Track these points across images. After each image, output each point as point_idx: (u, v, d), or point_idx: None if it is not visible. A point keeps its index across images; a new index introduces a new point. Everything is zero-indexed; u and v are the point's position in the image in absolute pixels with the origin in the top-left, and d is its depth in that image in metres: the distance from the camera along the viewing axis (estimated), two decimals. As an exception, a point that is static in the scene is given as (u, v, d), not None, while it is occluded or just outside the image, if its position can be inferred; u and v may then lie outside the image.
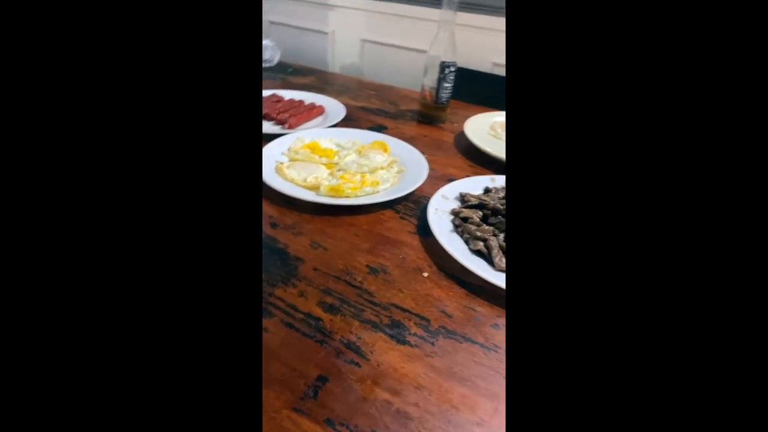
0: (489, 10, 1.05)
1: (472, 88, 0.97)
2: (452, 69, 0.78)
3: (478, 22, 1.07)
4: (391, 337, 0.35)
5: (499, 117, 0.83)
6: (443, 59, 0.77)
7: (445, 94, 0.81)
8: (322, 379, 0.31)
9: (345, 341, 0.34)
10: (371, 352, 0.34)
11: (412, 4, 1.16)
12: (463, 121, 0.78)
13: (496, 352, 0.34)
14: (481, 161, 0.69)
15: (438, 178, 0.61)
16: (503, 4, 1.02)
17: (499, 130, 0.77)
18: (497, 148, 0.69)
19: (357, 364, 0.33)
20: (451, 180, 0.58)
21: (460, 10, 1.02)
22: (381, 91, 1.03)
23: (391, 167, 0.63)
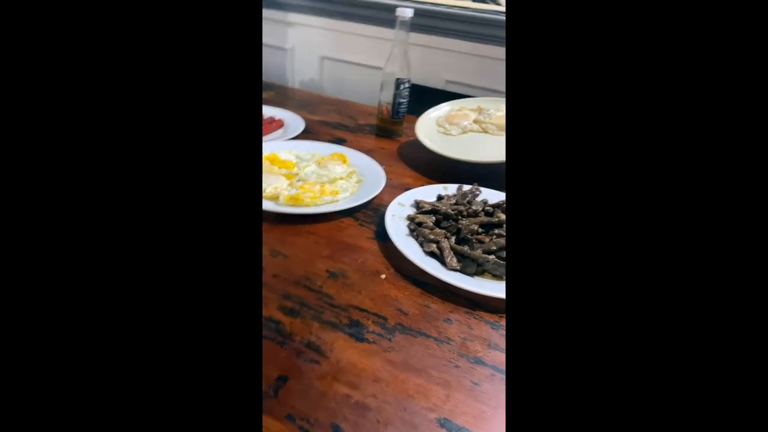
0: (440, 31, 1.12)
1: (426, 104, 1.02)
2: (407, 85, 0.83)
3: (431, 42, 1.14)
4: (350, 335, 0.37)
5: (438, 111, 0.85)
6: (398, 76, 0.81)
7: (401, 110, 0.85)
8: (283, 378, 0.32)
9: (305, 342, 0.36)
10: (331, 351, 0.35)
11: (367, 24, 1.21)
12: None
13: (448, 344, 0.37)
14: (435, 171, 0.73)
15: (395, 187, 0.64)
16: (455, 27, 1.09)
17: (447, 126, 0.80)
18: (449, 143, 0.72)
19: (317, 362, 0.34)
20: (407, 189, 0.61)
21: (413, 31, 1.08)
22: (340, 106, 1.06)
23: (351, 177, 0.65)
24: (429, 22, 1.11)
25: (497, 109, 0.82)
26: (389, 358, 0.35)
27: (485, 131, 0.78)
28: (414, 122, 0.95)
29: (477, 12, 1.07)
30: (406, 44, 0.80)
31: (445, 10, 1.08)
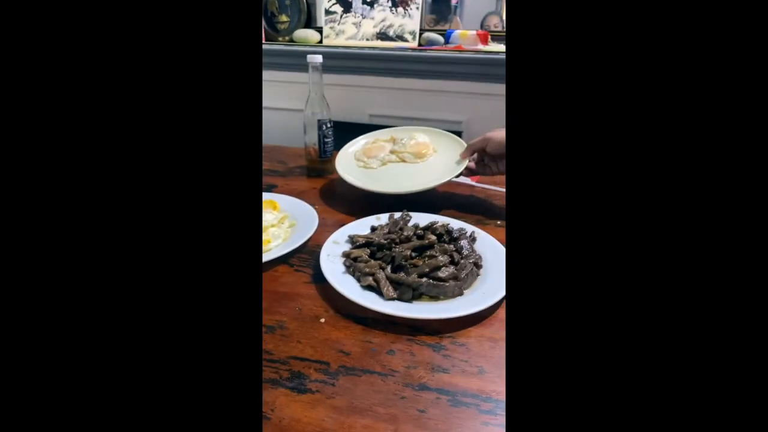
0: (356, 70, 1.18)
1: (353, 139, 1.06)
2: (329, 125, 0.85)
3: (349, 81, 1.19)
4: (292, 389, 0.36)
5: (355, 146, 0.86)
6: (319, 117, 0.83)
7: (328, 149, 0.87)
8: (221, 454, 0.30)
9: (243, 407, 0.34)
10: (272, 411, 0.33)
11: (283, 71, 1.25)
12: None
13: (392, 376, 0.37)
14: (367, 203, 0.74)
15: (330, 226, 0.64)
16: (368, 65, 1.16)
17: (365, 159, 0.81)
18: (372, 177, 0.74)
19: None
20: (341, 225, 0.62)
21: (329, 72, 1.13)
22: (268, 151, 1.06)
23: (282, 223, 0.64)
24: (344, 63, 1.17)
25: (410, 138, 0.84)
26: (334, 404, 0.34)
27: (403, 160, 0.81)
28: (343, 158, 0.97)
29: (387, 50, 1.14)
30: (321, 86, 0.83)
31: (356, 51, 1.15)
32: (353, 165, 0.80)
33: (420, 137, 0.84)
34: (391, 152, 0.82)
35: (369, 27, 1.24)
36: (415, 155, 0.81)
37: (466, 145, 0.78)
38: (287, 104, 1.29)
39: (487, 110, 1.13)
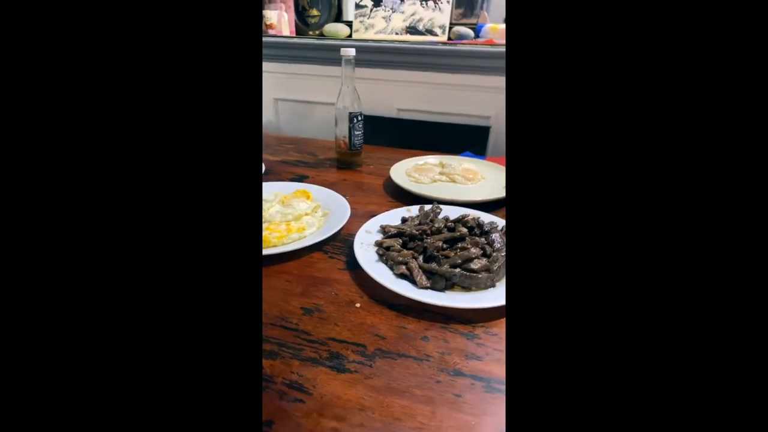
0: (386, 64, 1.18)
1: (381, 132, 1.07)
2: (360, 118, 0.87)
3: (379, 75, 1.20)
4: (332, 368, 0.37)
5: (417, 161, 0.91)
6: (350, 110, 0.85)
7: (357, 141, 0.88)
8: (268, 423, 0.32)
9: (287, 382, 0.36)
10: (314, 387, 0.35)
11: (315, 64, 1.27)
12: (380, 163, 0.86)
13: (427, 361, 0.38)
14: (397, 195, 0.76)
15: (361, 216, 0.66)
16: (398, 59, 1.16)
17: (416, 175, 0.83)
18: (423, 189, 0.75)
19: (301, 401, 0.34)
20: (372, 216, 0.63)
21: (360, 66, 1.14)
22: (299, 144, 1.08)
23: (316, 212, 0.66)
24: (373, 57, 1.17)
25: (459, 163, 0.88)
26: (372, 384, 0.36)
27: (453, 181, 0.82)
28: (372, 152, 0.98)
29: (416, 44, 1.14)
30: (353, 80, 0.84)
31: (386, 45, 1.15)
32: (405, 179, 0.81)
33: (467, 164, 0.89)
34: (441, 173, 0.85)
35: (399, 21, 1.24)
36: (465, 178, 0.83)
37: None
38: (317, 97, 1.31)
39: (517, 106, 1.12)
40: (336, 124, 0.88)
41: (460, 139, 1.10)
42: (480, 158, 0.95)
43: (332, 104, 0.88)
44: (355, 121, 0.86)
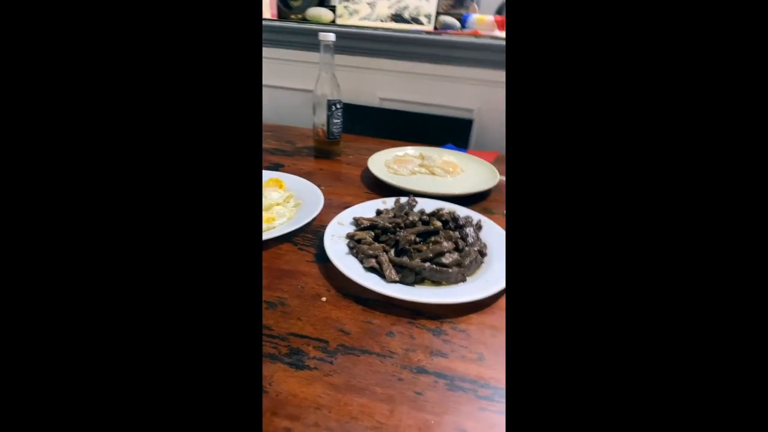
0: (368, 52, 1.15)
1: (362, 122, 1.05)
2: (338, 106, 0.84)
3: (361, 63, 1.17)
4: (290, 365, 0.36)
5: (397, 152, 0.88)
6: (329, 98, 0.82)
7: (335, 130, 0.86)
8: (217, 423, 0.30)
9: (241, 380, 0.34)
10: (270, 385, 0.34)
11: (294, 49, 1.23)
12: (358, 153, 0.84)
13: (391, 357, 0.37)
14: (374, 187, 0.74)
15: (336, 207, 0.64)
16: (381, 47, 1.13)
17: (395, 167, 0.81)
18: (401, 182, 0.73)
19: (254, 399, 0.32)
20: (347, 207, 0.61)
21: (341, 53, 1.11)
22: (277, 131, 1.05)
23: (288, 202, 0.64)
24: (355, 44, 1.14)
25: (440, 156, 0.86)
26: (331, 382, 0.34)
27: (433, 173, 0.81)
28: (352, 142, 0.96)
29: (401, 32, 1.12)
30: (332, 66, 0.81)
31: (370, 32, 1.12)
32: (383, 170, 0.79)
33: (447, 157, 0.87)
34: (420, 165, 0.83)
35: (384, 8, 1.21)
36: (444, 170, 0.81)
37: (495, 170, 0.78)
38: (297, 84, 1.27)
39: (501, 100, 1.11)
40: (314, 112, 0.85)
41: (443, 131, 1.09)
42: (462, 151, 0.94)
43: (312, 91, 0.85)
44: (334, 108, 0.83)
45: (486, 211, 0.66)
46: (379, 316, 0.42)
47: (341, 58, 1.14)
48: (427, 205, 0.63)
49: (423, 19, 1.20)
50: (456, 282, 0.46)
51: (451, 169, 0.82)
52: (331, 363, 0.36)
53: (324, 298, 0.44)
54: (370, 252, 0.49)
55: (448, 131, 1.09)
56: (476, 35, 1.11)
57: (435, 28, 1.19)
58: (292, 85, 1.28)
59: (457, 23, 1.19)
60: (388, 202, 0.64)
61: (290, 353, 0.37)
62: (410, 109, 1.16)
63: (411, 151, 0.89)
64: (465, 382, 0.35)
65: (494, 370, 0.36)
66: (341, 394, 0.33)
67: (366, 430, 0.30)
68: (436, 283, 0.47)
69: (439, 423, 0.31)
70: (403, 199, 0.63)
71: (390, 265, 0.47)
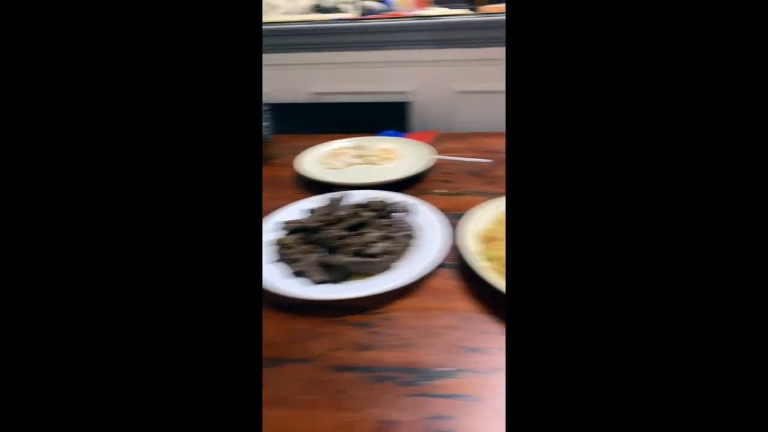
0: (292, 48, 1.12)
1: (293, 121, 1.02)
2: (265, 108, 0.81)
3: (286, 59, 1.13)
4: (210, 388, 0.34)
5: (327, 146, 0.86)
6: (251, 101, 0.79)
7: (264, 133, 0.83)
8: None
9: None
10: (186, 414, 0.32)
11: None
12: (293, 153, 0.82)
13: (314, 361, 0.36)
14: (310, 186, 0.72)
15: (265, 214, 0.62)
16: (305, 41, 1.10)
17: (330, 161, 0.79)
18: (336, 177, 0.71)
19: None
20: (276, 212, 0.59)
21: (264, 53, 1.07)
22: (210, 143, 1.01)
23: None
24: (277, 41, 1.11)
25: (375, 144, 0.85)
26: (253, 398, 0.33)
27: (370, 163, 0.79)
28: (286, 142, 0.94)
29: (324, 23, 1.09)
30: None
31: (292, 27, 1.09)
32: (316, 168, 0.77)
33: (384, 144, 0.85)
34: (357, 156, 0.81)
35: None
36: (381, 157, 0.80)
37: (431, 149, 0.78)
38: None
39: (436, 78, 1.11)
40: (239, 118, 0.82)
41: (381, 118, 1.08)
42: (401, 136, 0.93)
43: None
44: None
45: (423, 193, 0.66)
46: (305, 321, 0.41)
47: (266, 58, 1.10)
48: (362, 196, 0.62)
49: (345, 7, 1.17)
50: (384, 271, 0.46)
51: (388, 156, 0.81)
52: (253, 378, 0.35)
53: (251, 311, 0.43)
54: (295, 256, 0.48)
55: (387, 118, 1.08)
56: (399, 17, 1.09)
57: (359, 14, 1.17)
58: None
59: (381, 6, 1.17)
60: (316, 200, 0.62)
61: (210, 376, 0.35)
62: (344, 100, 1.14)
63: (346, 143, 0.88)
64: (389, 371, 0.34)
65: (418, 353, 0.36)
66: (265, 409, 0.32)
67: (285, 441, 0.30)
68: (365, 275, 0.46)
69: (360, 419, 0.31)
70: (334, 195, 0.62)
71: (313, 266, 0.46)
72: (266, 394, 0.33)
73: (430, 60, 1.09)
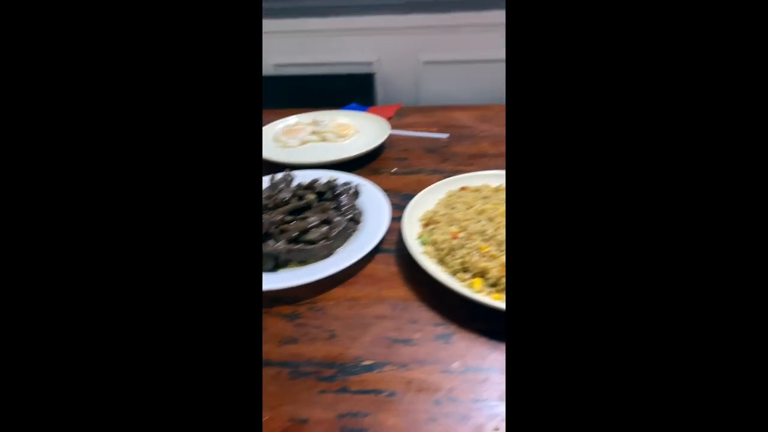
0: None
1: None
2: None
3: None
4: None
5: (283, 122, 0.82)
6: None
7: (215, 109, 0.78)
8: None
9: None
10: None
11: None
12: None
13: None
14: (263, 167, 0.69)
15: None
16: (269, 6, 1.03)
17: (284, 139, 0.76)
18: (292, 155, 0.68)
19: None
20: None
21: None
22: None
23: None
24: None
25: (332, 119, 0.80)
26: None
27: (324, 140, 0.76)
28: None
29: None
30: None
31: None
32: (271, 146, 0.74)
33: (342, 119, 0.81)
34: (312, 133, 0.77)
35: (260, -39, 1.08)
36: (336, 134, 0.76)
37: (386, 125, 0.74)
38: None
39: (401, 47, 1.05)
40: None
41: (345, 90, 1.03)
42: (363, 110, 0.89)
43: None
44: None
45: (374, 173, 0.64)
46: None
47: (220, 26, 1.03)
48: (308, 177, 0.59)
49: (305, -32, 1.09)
50: (321, 258, 0.44)
51: (344, 132, 0.77)
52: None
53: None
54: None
55: (352, 90, 1.04)
56: (362, -21, 1.02)
57: (320, -24, 1.09)
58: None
59: (343, -32, 1.09)
60: (276, 177, 0.59)
61: (124, 375, 0.34)
62: (308, 72, 1.09)
63: (303, 118, 0.84)
64: (310, 365, 0.33)
65: (342, 346, 0.35)
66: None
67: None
68: (302, 262, 0.44)
69: (273, 417, 0.30)
70: (278, 176, 0.59)
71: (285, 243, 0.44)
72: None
73: (396, 27, 1.04)
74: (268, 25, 1.06)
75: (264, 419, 0.29)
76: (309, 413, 0.30)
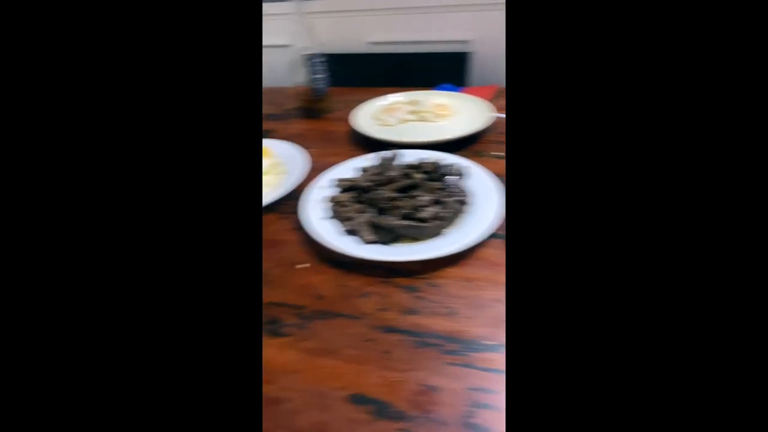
0: (349, -9, 1.06)
1: (349, 72, 0.99)
2: (320, 59, 0.79)
3: (342, 5, 1.08)
4: (268, 333, 0.37)
5: (382, 101, 0.84)
6: (307, 52, 0.78)
7: (320, 85, 0.82)
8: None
9: (222, 351, 0.36)
10: (247, 354, 0.36)
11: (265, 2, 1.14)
12: (349, 107, 0.81)
13: (362, 318, 0.38)
14: (364, 142, 0.71)
15: (322, 170, 0.63)
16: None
17: (383, 117, 0.77)
18: (391, 133, 0.70)
19: (233, 368, 0.35)
20: (331, 169, 0.60)
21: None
22: (265, 94, 1.02)
23: (274, 170, 0.64)
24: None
25: (430, 99, 0.80)
26: (305, 347, 0.36)
27: (423, 119, 0.76)
28: (342, 95, 0.92)
29: (383, -39, 1.01)
30: (304, 16, 0.76)
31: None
32: (370, 123, 0.76)
33: (439, 99, 0.81)
34: (410, 112, 0.78)
35: (363, -65, 1.08)
36: (435, 114, 0.76)
37: (489, 107, 0.72)
38: (276, 40, 1.21)
39: (501, 25, 1.00)
40: (295, 69, 0.81)
41: (439, 70, 1.01)
42: (457, 90, 0.88)
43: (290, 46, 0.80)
44: (314, 62, 0.79)
45: (478, 155, 0.63)
46: (355, 279, 0.42)
47: (318, 4, 1.06)
48: (416, 157, 0.60)
49: (408, -58, 1.07)
50: (433, 236, 0.46)
51: (443, 112, 0.77)
52: (306, 329, 0.37)
53: (306, 265, 0.45)
54: (348, 214, 0.49)
55: (445, 70, 1.02)
56: (467, -49, 0.98)
57: (422, -50, 1.06)
58: (269, 42, 1.22)
59: (447, -60, 1.05)
60: (370, 159, 0.62)
61: (268, 322, 0.39)
62: (402, 50, 1.08)
63: (401, 97, 0.85)
64: (433, 338, 0.35)
65: (462, 324, 0.36)
66: (312, 357, 0.35)
67: (333, 390, 0.32)
68: (414, 239, 0.46)
69: (404, 380, 0.32)
70: (386, 154, 0.61)
71: (365, 226, 0.47)
72: (315, 344, 0.36)
73: (494, 3, 0.98)
74: (362, 3, 1.07)
75: (395, 380, 0.32)
76: (438, 381, 0.32)
